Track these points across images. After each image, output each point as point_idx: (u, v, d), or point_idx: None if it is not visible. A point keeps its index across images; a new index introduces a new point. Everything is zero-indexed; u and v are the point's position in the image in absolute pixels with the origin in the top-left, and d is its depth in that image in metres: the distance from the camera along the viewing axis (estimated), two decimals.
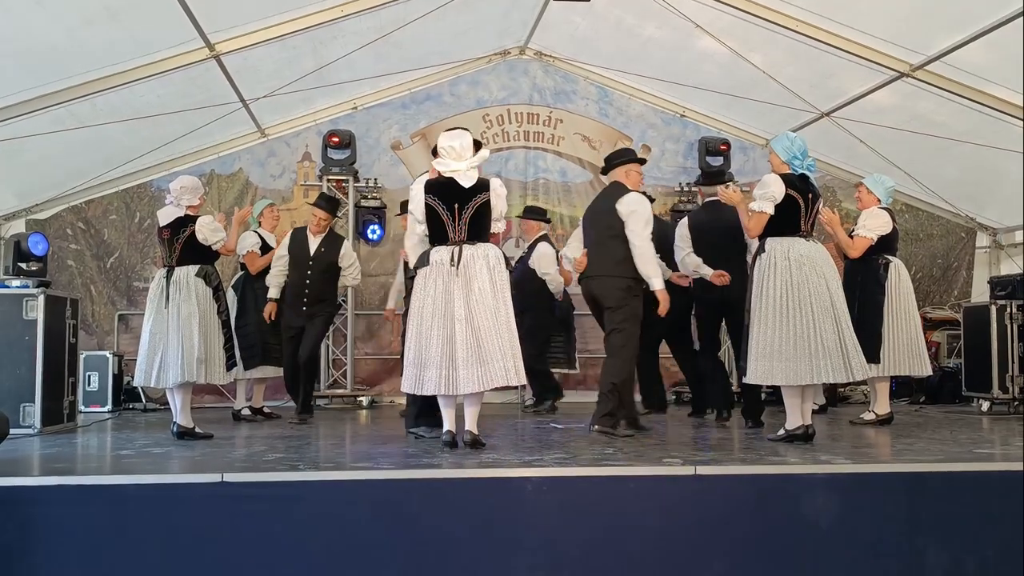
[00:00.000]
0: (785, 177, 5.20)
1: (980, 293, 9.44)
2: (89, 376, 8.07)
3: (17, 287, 6.30)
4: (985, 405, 7.65)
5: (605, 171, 6.28)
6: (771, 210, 5.14)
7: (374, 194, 9.28)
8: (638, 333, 5.78)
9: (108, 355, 8.27)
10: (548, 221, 8.46)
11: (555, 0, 7.69)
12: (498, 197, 5.10)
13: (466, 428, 4.99)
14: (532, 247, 7.96)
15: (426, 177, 5.29)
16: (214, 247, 5.79)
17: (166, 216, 5.86)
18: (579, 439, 5.49)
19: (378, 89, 9.36)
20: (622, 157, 6.08)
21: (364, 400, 8.93)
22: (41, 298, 6.19)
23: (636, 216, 5.68)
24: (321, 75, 7.94)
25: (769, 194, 5.15)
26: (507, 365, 4.85)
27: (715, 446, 5.23)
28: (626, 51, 8.84)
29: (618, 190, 5.85)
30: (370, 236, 9.26)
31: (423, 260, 5.09)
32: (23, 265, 6.45)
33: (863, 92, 7.87)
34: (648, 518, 3.84)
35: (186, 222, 5.76)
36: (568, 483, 3.97)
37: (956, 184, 8.85)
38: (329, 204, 7.34)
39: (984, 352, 7.66)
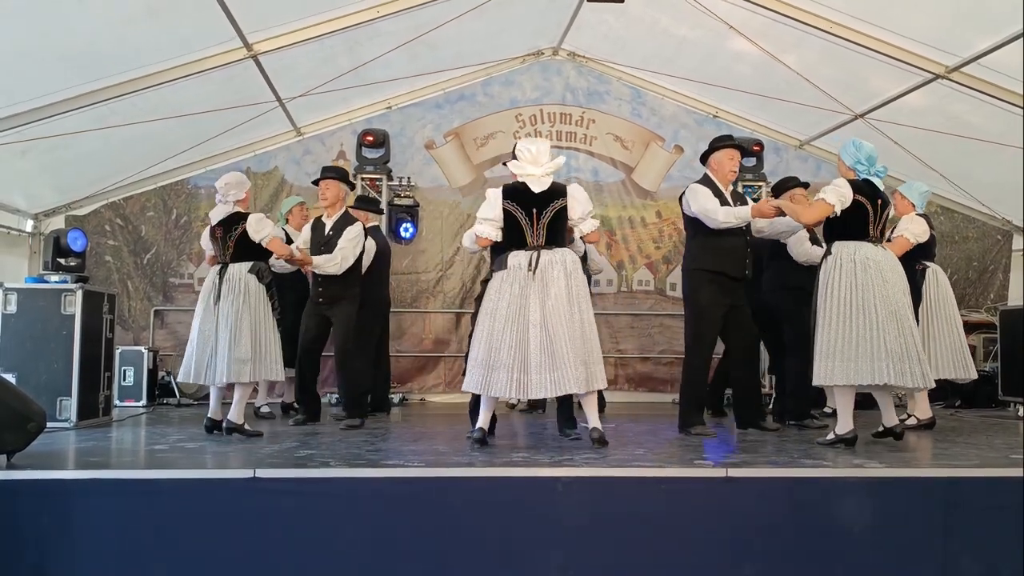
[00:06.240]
0: (852, 183, 5.18)
1: (1017, 296, 9.32)
2: (124, 371, 8.19)
3: (56, 282, 6.40)
4: (1022, 410, 7.55)
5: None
6: (835, 203, 5.10)
7: (407, 192, 9.35)
8: None
9: (143, 350, 8.37)
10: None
11: (589, 1, 7.68)
12: (576, 201, 5.21)
13: (591, 426, 5.06)
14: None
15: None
16: (263, 242, 5.74)
17: (218, 214, 5.84)
18: (610, 439, 5.47)
19: (412, 89, 9.42)
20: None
21: (395, 398, 8.96)
22: (79, 293, 6.28)
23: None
24: (357, 75, 8.00)
25: (840, 192, 5.12)
26: (577, 373, 4.86)
27: (747, 448, 5.20)
28: (659, 52, 8.82)
29: None
30: (403, 234, 9.30)
31: (501, 263, 5.12)
32: (62, 260, 6.55)
33: (898, 94, 7.78)
34: (678, 519, 3.84)
35: (238, 219, 5.75)
36: (598, 483, 3.98)
37: (992, 186, 8.74)
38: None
39: (1021, 356, 7.57)
